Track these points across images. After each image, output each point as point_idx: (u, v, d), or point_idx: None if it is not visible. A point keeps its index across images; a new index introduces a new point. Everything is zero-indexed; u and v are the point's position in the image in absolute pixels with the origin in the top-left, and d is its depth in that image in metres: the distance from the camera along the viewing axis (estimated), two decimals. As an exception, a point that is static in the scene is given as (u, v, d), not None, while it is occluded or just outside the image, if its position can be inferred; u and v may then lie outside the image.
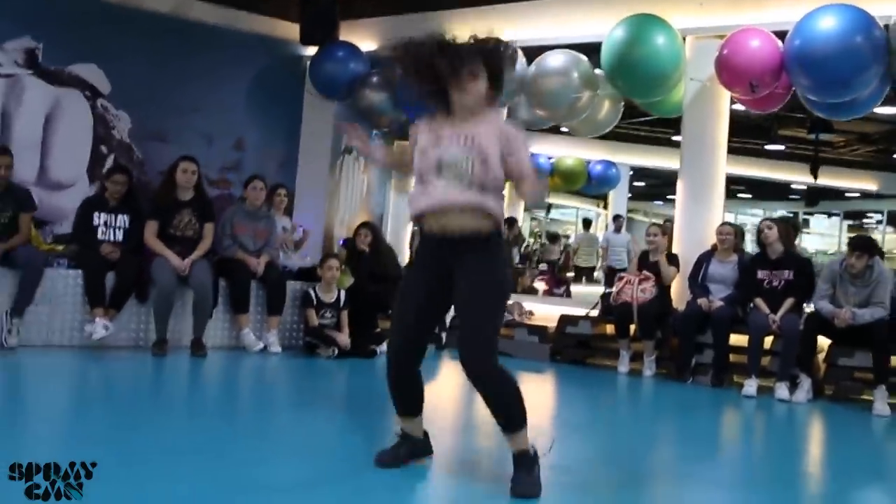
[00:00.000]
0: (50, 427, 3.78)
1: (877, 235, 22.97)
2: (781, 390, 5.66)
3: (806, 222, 23.58)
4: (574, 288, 12.30)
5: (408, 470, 3.31)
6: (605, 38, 6.54)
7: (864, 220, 23.51)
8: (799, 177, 15.98)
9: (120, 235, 5.87)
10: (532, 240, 19.19)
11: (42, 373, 5.05)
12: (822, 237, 24.89)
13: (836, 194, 18.99)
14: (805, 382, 5.65)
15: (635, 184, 18.67)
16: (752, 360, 5.84)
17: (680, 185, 6.84)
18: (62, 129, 7.31)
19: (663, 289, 6.46)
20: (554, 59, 6.87)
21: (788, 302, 5.94)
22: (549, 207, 21.09)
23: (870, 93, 5.99)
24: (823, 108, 6.39)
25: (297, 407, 4.68)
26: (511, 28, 7.34)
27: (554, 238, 16.10)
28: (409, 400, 3.28)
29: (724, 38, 6.28)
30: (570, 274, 14.06)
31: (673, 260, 6.53)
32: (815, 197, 19.00)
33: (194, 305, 5.77)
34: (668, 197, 22.77)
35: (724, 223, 6.53)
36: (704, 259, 6.39)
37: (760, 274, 6.09)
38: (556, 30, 7.28)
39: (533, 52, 7.14)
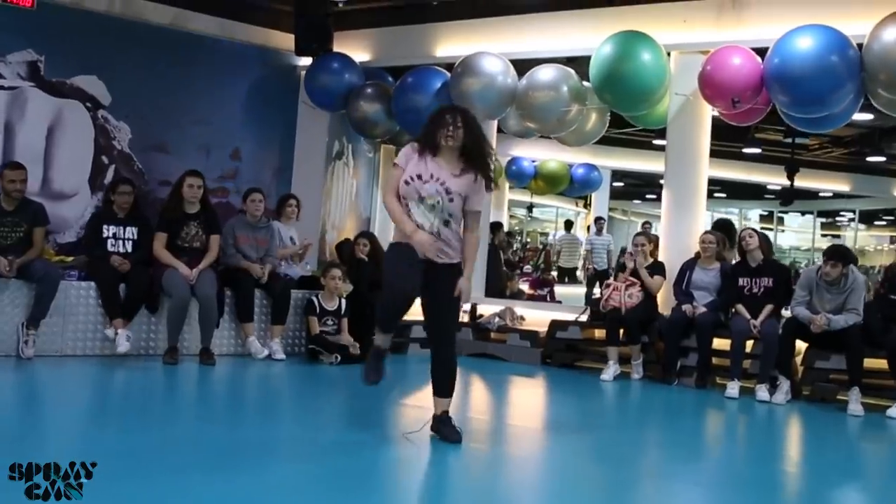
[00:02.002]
0: (67, 434, 4.00)
1: (849, 233, 23.51)
2: (762, 392, 5.98)
3: (781, 220, 24.05)
4: (557, 289, 12.56)
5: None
6: (592, 52, 6.81)
7: (837, 219, 23.97)
8: (774, 178, 16.37)
9: (129, 247, 6.08)
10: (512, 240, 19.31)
11: (59, 382, 5.27)
12: (797, 234, 25.37)
13: (810, 194, 19.35)
14: (784, 384, 5.97)
15: (614, 184, 18.95)
16: (734, 363, 6.15)
17: (665, 195, 7.14)
18: (64, 141, 7.42)
19: (649, 294, 6.76)
20: (544, 73, 7.14)
21: (768, 308, 6.25)
22: (531, 207, 21.37)
23: (843, 108, 6.31)
24: (800, 121, 6.71)
25: (306, 411, 4.92)
26: (501, 42, 7.65)
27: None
28: (397, 321, 4.21)
29: (707, 53, 6.58)
30: (554, 273, 14.32)
31: (659, 268, 6.82)
32: (790, 196, 19.39)
33: (200, 315, 5.99)
34: (648, 196, 23.14)
35: (706, 232, 6.83)
36: (688, 267, 6.70)
37: (741, 281, 6.40)
38: (545, 43, 7.54)
39: (523, 65, 7.41)
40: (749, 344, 6.26)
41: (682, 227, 7.00)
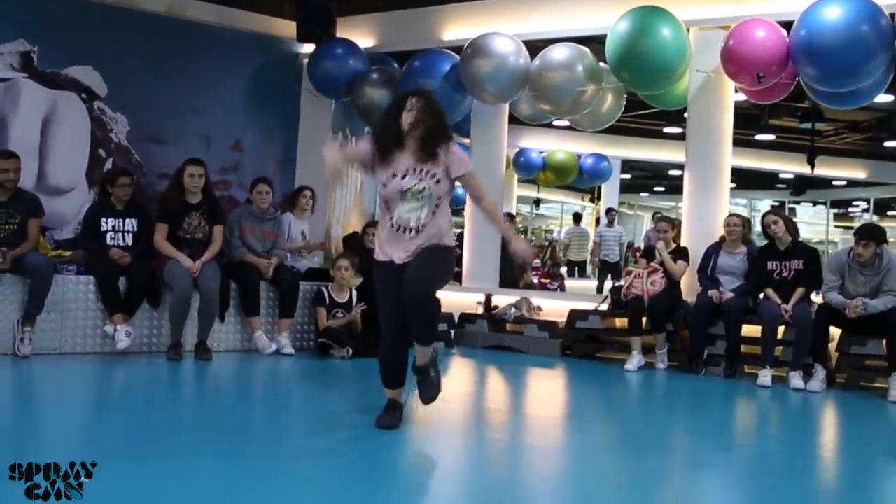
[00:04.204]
0: (65, 435, 3.70)
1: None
2: (796, 379, 5.68)
3: (793, 211, 23.68)
4: (567, 283, 12.25)
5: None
6: (608, 30, 6.52)
7: (850, 209, 23.59)
8: (787, 166, 16.02)
9: (129, 239, 5.79)
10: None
11: (58, 381, 4.97)
12: (809, 226, 24.92)
13: (823, 183, 19.01)
14: (820, 372, 5.66)
15: (621, 176, 18.62)
16: (766, 350, 5.85)
17: (686, 177, 6.84)
18: (59, 133, 7.21)
19: (672, 281, 6.46)
20: (558, 53, 6.84)
21: (799, 291, 5.96)
22: (537, 202, 21.04)
23: (874, 82, 6.01)
24: (827, 97, 6.40)
25: (316, 407, 4.62)
26: (512, 22, 7.35)
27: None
28: (400, 375, 3.83)
29: (727, 28, 6.29)
30: (563, 269, 13.98)
31: (682, 253, 6.52)
32: (803, 186, 19.07)
33: (200, 308, 5.70)
34: (655, 189, 22.78)
35: (731, 214, 6.53)
36: (713, 251, 6.40)
37: (770, 265, 6.10)
38: (557, 23, 7.25)
39: (535, 46, 7.12)
40: (780, 330, 5.97)
41: (705, 211, 6.71)
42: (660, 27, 6.28)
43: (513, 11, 7.46)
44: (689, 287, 6.53)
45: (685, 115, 10.02)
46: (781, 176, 18.70)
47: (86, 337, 5.57)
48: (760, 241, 6.72)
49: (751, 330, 6.11)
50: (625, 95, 7.42)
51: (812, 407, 5.33)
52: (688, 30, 6.53)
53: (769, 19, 6.15)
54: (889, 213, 22.35)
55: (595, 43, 7.02)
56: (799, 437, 4.59)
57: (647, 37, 6.27)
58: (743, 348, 6.14)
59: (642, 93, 6.97)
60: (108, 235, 5.75)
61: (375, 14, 8.24)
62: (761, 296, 6.17)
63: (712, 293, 6.15)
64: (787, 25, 6.07)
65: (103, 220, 5.77)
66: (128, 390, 4.96)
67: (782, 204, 22.53)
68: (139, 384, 5.04)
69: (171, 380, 5.17)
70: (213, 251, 5.83)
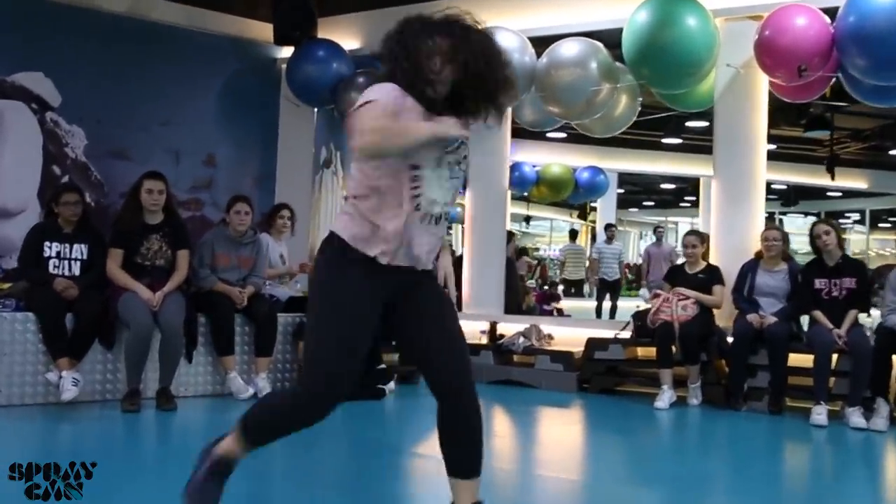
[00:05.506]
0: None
1: (853, 236, 22.56)
2: (856, 417, 4.92)
3: (781, 222, 23.18)
4: (564, 303, 11.54)
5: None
6: (623, 23, 5.82)
7: (841, 220, 23.13)
8: (781, 176, 15.58)
9: (77, 268, 4.93)
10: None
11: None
12: (796, 237, 24.35)
13: (817, 193, 18.54)
14: (883, 408, 4.91)
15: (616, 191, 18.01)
16: (819, 382, 5.08)
17: (714, 188, 6.11)
18: (7, 149, 6.46)
19: (704, 306, 5.70)
20: (569, 49, 6.11)
21: (852, 314, 5.23)
22: (527, 219, 20.38)
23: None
24: (871, 92, 5.71)
25: (297, 467, 3.79)
26: (514, 17, 6.62)
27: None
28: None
29: (758, 19, 5.62)
30: (560, 288, 13.28)
31: (714, 274, 5.76)
32: (795, 196, 18.61)
33: (161, 348, 4.84)
34: (644, 204, 22.21)
35: (769, 227, 5.81)
36: (749, 269, 5.66)
37: (818, 283, 5.37)
38: (565, 16, 6.54)
39: (542, 42, 6.40)
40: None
41: (736, 224, 5.97)
42: (685, 16, 5.58)
43: (514, 4, 6.73)
44: (720, 311, 5.77)
45: (686, 124, 9.46)
46: (773, 186, 18.18)
47: (24, 386, 4.69)
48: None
49: (794, 359, 5.36)
50: (639, 99, 6.69)
51: (883, 452, 4.56)
52: (713, 20, 5.83)
53: (808, 5, 5.47)
54: (881, 224, 21.88)
55: (598, 40, 6.31)
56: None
57: (671, 27, 5.57)
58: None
59: (663, 91, 6.24)
60: (52, 263, 4.88)
61: (361, 13, 7.50)
62: (804, 319, 5.45)
63: (752, 318, 5.39)
64: (828, 12, 5.41)
65: (46, 244, 4.90)
66: (75, 450, 4.07)
67: (771, 215, 22.03)
68: (85, 444, 4.16)
69: (125, 437, 4.30)
70: (176, 280, 4.97)
